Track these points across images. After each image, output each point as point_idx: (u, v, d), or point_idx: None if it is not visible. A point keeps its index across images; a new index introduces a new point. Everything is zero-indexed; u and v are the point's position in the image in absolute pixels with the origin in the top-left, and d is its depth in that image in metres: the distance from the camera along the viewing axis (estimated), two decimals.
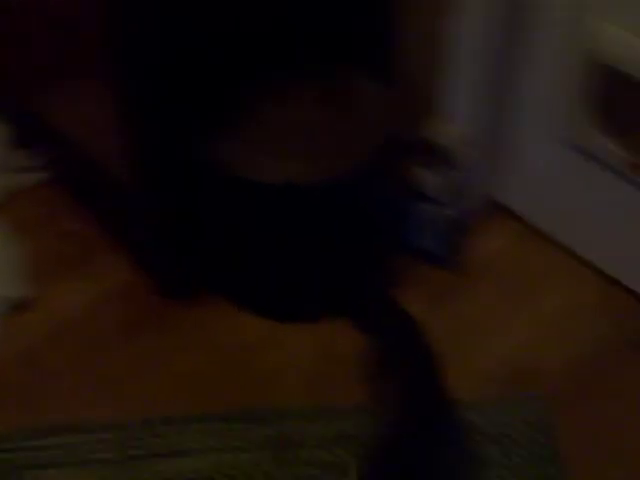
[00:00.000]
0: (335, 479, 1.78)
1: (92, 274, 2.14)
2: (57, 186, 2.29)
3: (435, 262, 2.18)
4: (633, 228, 2.05)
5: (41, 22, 1.88)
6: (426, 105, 2.12)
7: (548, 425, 1.87)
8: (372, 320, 1.82)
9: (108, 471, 1.80)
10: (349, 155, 1.87)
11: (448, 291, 2.15)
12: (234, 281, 2.12)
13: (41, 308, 2.07)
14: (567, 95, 2.00)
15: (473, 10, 1.91)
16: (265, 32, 1.94)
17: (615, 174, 2.00)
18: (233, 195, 1.93)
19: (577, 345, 2.04)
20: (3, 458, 1.81)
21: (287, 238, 1.97)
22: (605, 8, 1.84)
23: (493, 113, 2.12)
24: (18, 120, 2.25)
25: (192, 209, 1.98)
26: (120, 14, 1.63)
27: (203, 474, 1.80)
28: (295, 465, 1.81)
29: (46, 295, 2.09)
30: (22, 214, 2.24)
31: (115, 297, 2.10)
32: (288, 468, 1.80)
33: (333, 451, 1.83)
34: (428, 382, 1.71)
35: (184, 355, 2.00)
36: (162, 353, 2.00)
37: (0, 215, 2.22)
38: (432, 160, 2.07)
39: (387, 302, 1.90)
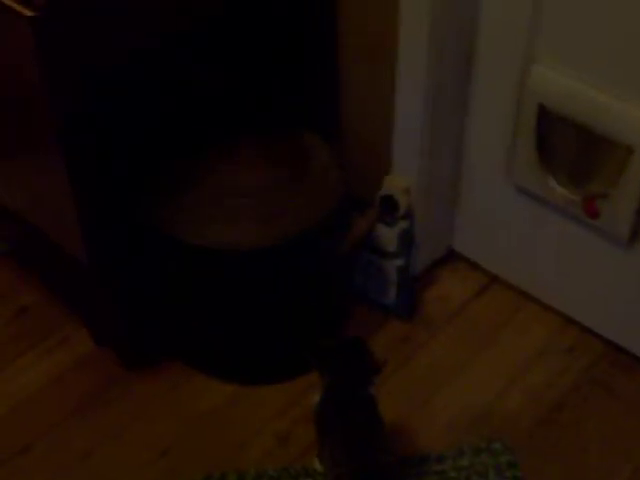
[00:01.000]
0: None
1: (51, 349, 2.14)
2: (12, 260, 2.29)
3: (392, 313, 2.21)
4: (590, 269, 2.09)
5: None
6: (375, 159, 2.16)
7: (516, 470, 1.90)
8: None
9: None
10: (303, 218, 1.89)
11: (407, 342, 2.17)
12: (194, 347, 2.12)
13: (1, 385, 2.07)
14: (513, 140, 2.04)
15: (417, 62, 1.95)
16: (217, 95, 1.97)
17: (567, 215, 2.04)
18: (186, 262, 1.94)
19: (540, 389, 2.08)
20: None
21: (242, 301, 1.98)
22: (547, 56, 1.90)
23: (442, 162, 2.16)
24: None
25: (146, 278, 2.00)
26: (63, 96, 1.65)
27: None
28: None
29: (6, 372, 2.09)
30: None
31: (76, 370, 2.10)
32: None
33: None
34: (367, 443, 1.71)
35: (153, 425, 2.00)
36: (130, 424, 2.00)
37: None
38: (382, 212, 2.10)
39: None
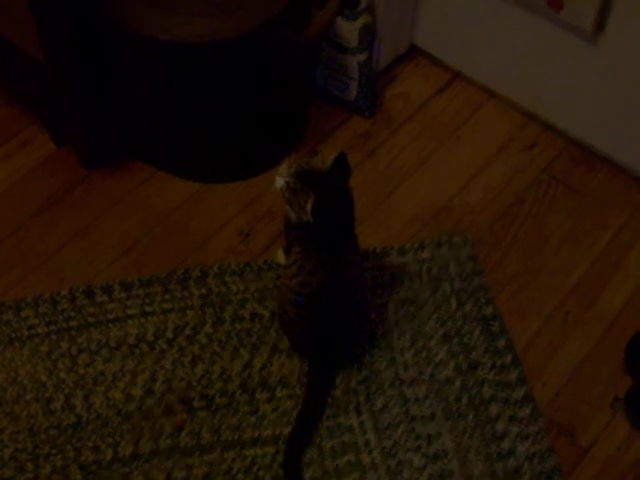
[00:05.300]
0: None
1: (12, 153, 2.13)
2: None
3: (354, 110, 2.20)
4: (553, 64, 2.07)
5: None
6: None
7: (476, 263, 1.93)
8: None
9: (43, 345, 1.81)
10: (264, 9, 1.86)
11: (368, 138, 2.17)
12: (157, 146, 2.10)
13: None
14: None
15: None
16: None
17: (530, 8, 2.01)
18: (149, 57, 1.90)
19: (501, 184, 2.09)
20: None
21: (206, 97, 1.95)
22: None
23: None
24: None
25: (106, 76, 1.96)
26: None
27: (145, 339, 1.82)
28: (235, 322, 1.84)
29: None
30: None
31: (38, 172, 2.09)
32: (228, 325, 1.84)
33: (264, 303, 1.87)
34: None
35: (116, 224, 2.01)
36: (93, 223, 2.01)
37: None
38: (343, 6, 2.05)
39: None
